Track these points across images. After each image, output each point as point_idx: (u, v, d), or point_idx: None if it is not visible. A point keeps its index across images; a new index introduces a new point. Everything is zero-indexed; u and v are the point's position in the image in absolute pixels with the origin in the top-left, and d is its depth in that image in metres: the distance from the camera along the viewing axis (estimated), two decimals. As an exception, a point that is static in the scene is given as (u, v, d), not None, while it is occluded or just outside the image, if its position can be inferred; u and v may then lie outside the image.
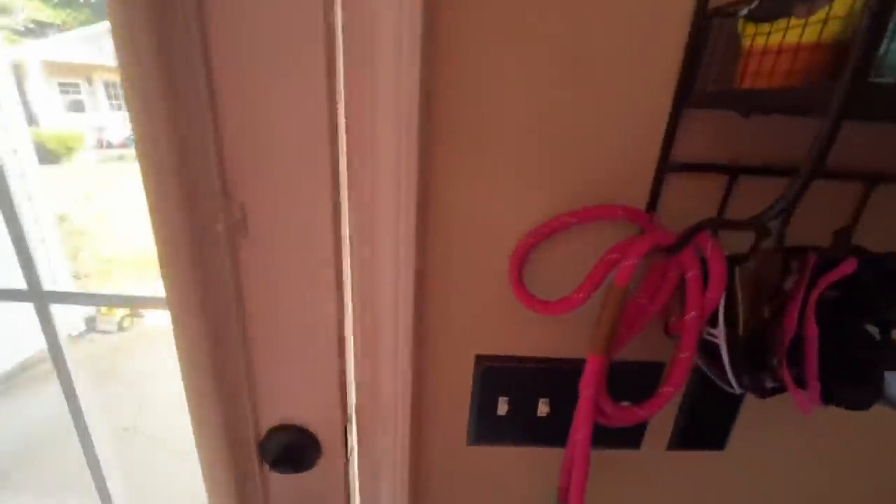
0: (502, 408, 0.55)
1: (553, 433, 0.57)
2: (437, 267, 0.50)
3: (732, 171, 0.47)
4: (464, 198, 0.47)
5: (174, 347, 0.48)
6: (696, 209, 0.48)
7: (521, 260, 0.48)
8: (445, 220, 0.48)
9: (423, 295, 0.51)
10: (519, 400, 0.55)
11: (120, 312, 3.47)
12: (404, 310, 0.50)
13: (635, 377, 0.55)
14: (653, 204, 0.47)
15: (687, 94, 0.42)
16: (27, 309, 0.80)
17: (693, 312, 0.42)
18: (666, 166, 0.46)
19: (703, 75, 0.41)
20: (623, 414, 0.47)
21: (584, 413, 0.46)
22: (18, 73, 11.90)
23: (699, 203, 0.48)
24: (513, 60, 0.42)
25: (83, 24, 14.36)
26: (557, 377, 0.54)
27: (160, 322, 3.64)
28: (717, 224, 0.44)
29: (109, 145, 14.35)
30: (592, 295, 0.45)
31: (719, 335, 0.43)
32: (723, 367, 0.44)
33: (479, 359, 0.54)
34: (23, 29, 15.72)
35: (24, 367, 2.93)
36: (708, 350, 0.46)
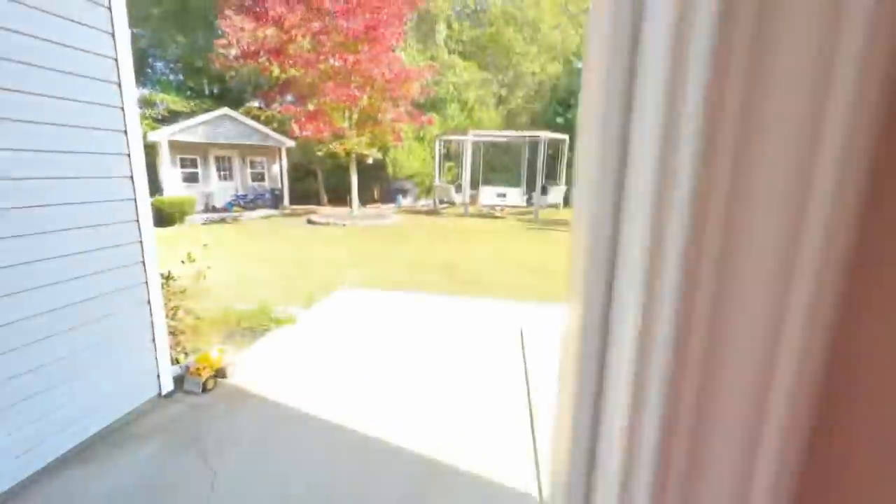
0: None
1: None
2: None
3: None
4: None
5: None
6: None
7: None
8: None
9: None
10: None
11: (205, 374, 3.49)
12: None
13: None
14: None
15: None
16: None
17: None
18: None
19: None
20: None
21: None
22: (152, 152, 14.21)
23: None
24: None
25: (206, 111, 17.13)
26: None
27: (243, 383, 3.61)
28: None
29: (214, 209, 16.46)
30: None
31: None
32: None
33: None
34: (160, 117, 19.13)
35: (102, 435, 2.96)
36: None
